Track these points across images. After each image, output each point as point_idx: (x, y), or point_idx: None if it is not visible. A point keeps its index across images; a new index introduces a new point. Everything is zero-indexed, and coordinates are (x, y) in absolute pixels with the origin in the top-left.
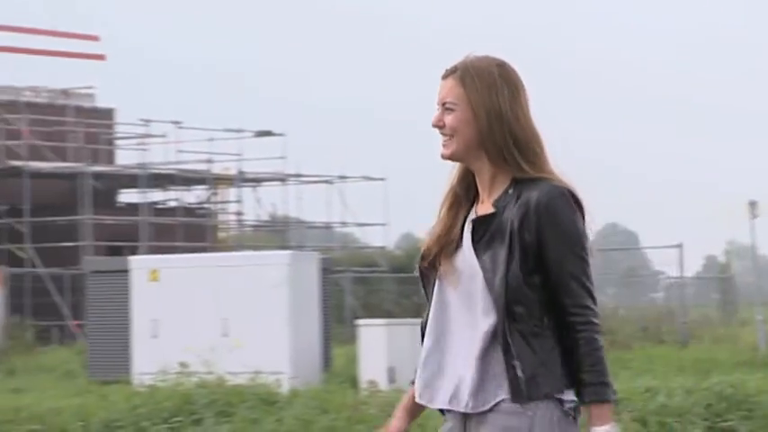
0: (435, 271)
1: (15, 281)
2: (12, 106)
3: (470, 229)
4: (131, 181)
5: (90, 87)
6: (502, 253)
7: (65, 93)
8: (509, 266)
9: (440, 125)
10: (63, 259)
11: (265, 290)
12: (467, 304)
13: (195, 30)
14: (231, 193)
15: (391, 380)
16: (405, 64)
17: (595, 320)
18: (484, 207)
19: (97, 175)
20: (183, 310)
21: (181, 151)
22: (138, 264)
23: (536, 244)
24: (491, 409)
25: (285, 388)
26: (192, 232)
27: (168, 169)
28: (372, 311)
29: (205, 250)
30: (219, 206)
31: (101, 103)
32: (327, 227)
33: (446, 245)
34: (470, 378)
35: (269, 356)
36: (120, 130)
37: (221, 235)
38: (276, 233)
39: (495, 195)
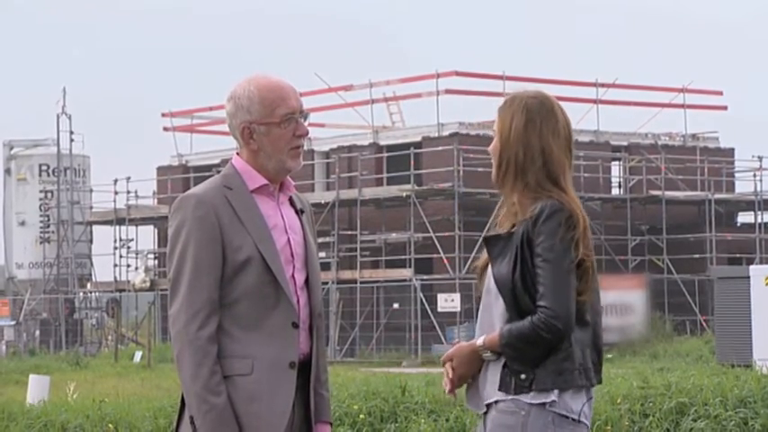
0: None
1: (655, 284)
2: (652, 148)
3: None
4: (747, 206)
5: (714, 132)
6: None
7: (694, 137)
8: None
9: None
10: (692, 268)
11: None
12: None
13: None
14: None
15: None
16: None
17: None
18: None
19: (719, 201)
20: None
21: None
22: (756, 272)
23: None
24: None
25: None
26: None
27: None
28: None
29: None
30: None
31: (722, 143)
32: None
33: None
34: None
35: None
36: (738, 165)
37: None
38: None
39: None
